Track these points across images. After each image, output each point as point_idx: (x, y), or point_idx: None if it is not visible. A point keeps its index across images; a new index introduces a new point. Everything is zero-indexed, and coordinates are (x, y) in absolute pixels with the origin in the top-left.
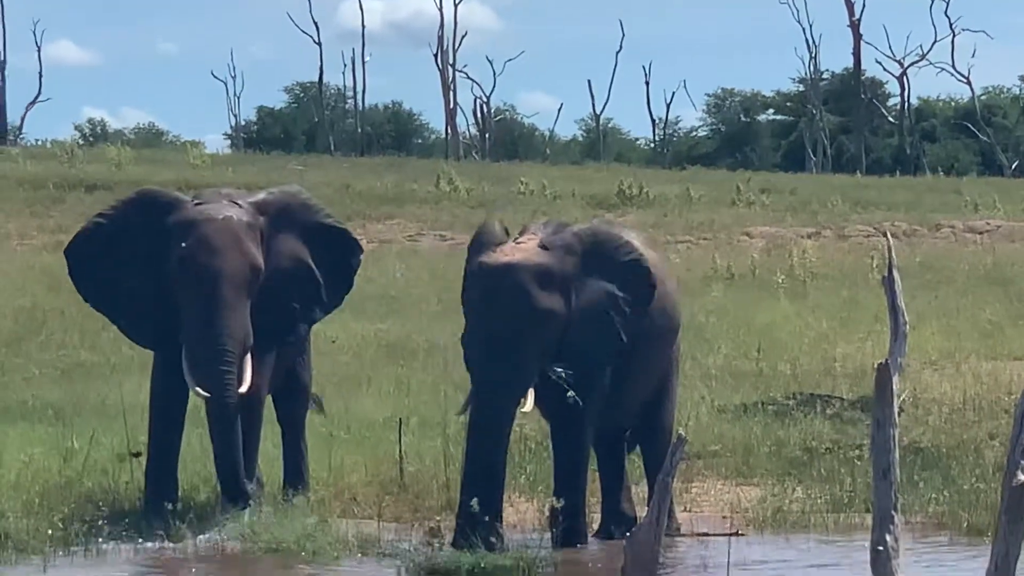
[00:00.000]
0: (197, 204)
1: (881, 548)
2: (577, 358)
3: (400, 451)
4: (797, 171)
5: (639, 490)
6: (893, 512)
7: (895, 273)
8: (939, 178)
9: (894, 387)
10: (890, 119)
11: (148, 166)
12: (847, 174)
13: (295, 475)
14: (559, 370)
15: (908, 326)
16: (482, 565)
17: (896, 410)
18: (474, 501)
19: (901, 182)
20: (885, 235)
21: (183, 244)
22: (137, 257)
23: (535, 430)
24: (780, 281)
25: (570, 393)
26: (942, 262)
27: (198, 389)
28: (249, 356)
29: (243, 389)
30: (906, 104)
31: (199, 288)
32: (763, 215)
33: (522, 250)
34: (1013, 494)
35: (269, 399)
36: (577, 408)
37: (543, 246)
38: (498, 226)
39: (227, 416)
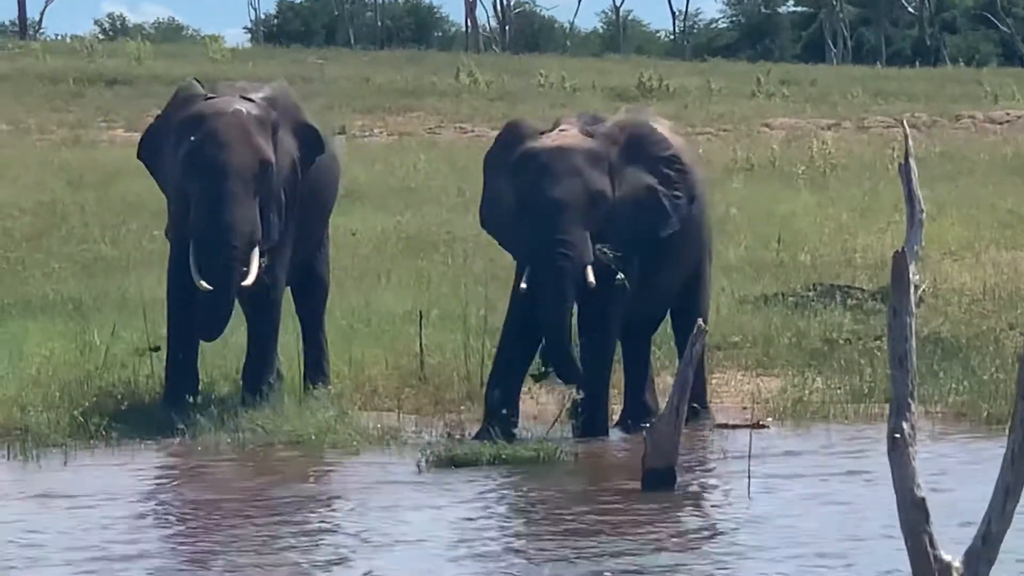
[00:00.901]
0: (209, 98)
1: (898, 435)
2: (617, 244)
3: (420, 343)
4: (817, 63)
5: (661, 381)
6: (910, 400)
7: (911, 161)
8: (959, 69)
9: (910, 275)
10: (910, 10)
11: (168, 61)
12: (867, 65)
13: (315, 369)
14: (605, 250)
15: (924, 214)
16: (503, 456)
17: (914, 299)
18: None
19: (921, 73)
20: (902, 124)
21: (191, 138)
22: (166, 153)
23: None
24: (800, 172)
25: (619, 276)
26: (962, 152)
27: (202, 282)
28: (256, 251)
29: (247, 282)
30: None
31: (206, 181)
32: (783, 107)
33: (569, 136)
34: None
35: (288, 293)
36: (606, 297)
37: (586, 133)
38: (528, 121)
39: (224, 307)
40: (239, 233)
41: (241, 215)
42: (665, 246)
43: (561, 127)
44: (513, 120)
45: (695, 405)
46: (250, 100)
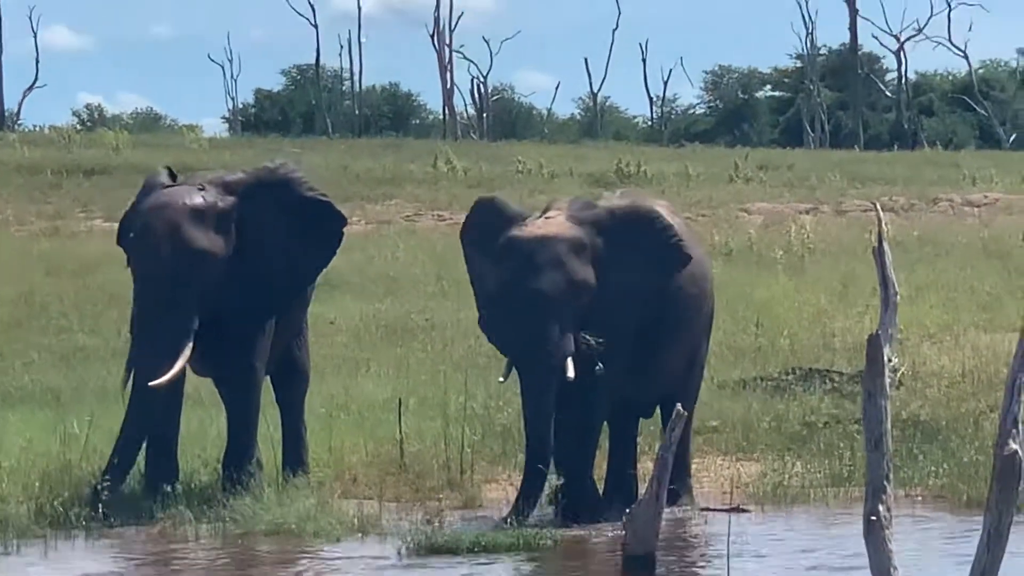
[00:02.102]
0: (166, 187)
1: (874, 518)
2: (601, 330)
3: (400, 431)
4: (795, 147)
5: (642, 466)
6: (886, 482)
7: (885, 246)
8: (937, 152)
9: (884, 358)
10: (887, 94)
11: (146, 150)
12: (845, 149)
13: (295, 457)
14: (588, 338)
15: (899, 298)
16: (482, 543)
17: (890, 382)
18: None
19: (899, 156)
20: (875, 207)
21: (130, 234)
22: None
23: None
24: (778, 257)
25: (599, 366)
26: (940, 235)
27: (127, 387)
28: (188, 347)
29: (160, 380)
30: (903, 79)
31: (135, 281)
32: (761, 191)
33: (553, 224)
34: (1004, 462)
35: (268, 381)
36: (594, 381)
37: (572, 220)
38: (504, 199)
39: (147, 402)
40: (158, 334)
41: (162, 313)
42: (660, 330)
43: (548, 213)
44: (487, 197)
45: (673, 487)
46: (202, 189)
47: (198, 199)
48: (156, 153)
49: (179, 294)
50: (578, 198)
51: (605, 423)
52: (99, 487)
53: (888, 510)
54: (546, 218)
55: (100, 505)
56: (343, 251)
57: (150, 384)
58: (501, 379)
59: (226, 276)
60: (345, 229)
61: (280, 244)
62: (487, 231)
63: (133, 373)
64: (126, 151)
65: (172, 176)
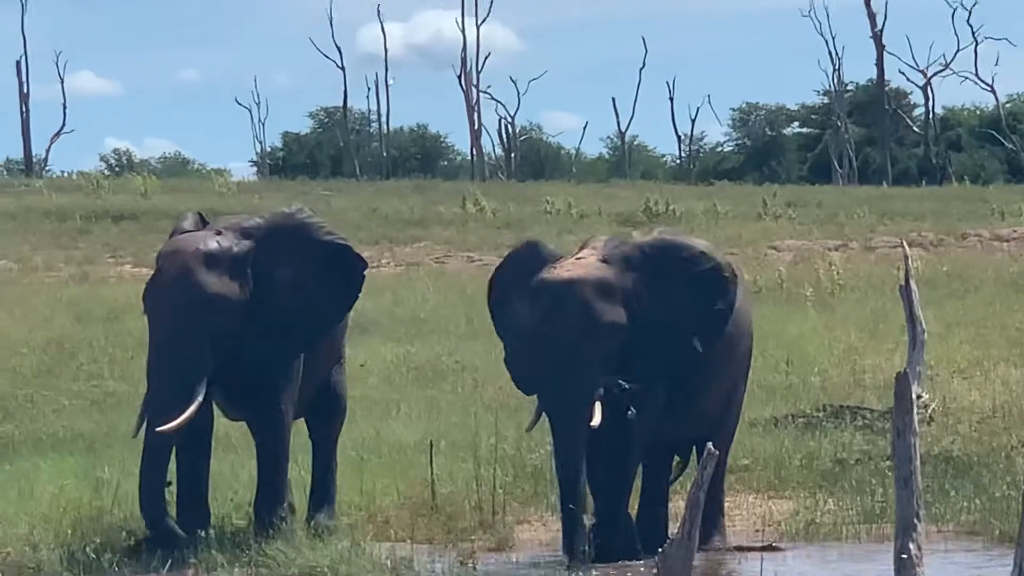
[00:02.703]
0: (183, 233)
1: (905, 556)
2: (638, 371)
3: (432, 473)
4: (823, 183)
5: (674, 505)
6: (916, 520)
7: (912, 283)
8: (965, 187)
9: (913, 395)
10: (915, 129)
11: (174, 195)
12: (873, 185)
13: (322, 496)
14: (622, 383)
15: (926, 335)
16: None
17: (916, 418)
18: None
19: (927, 192)
20: (902, 244)
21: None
22: None
23: None
24: (808, 294)
25: (630, 411)
26: (969, 271)
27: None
28: (201, 392)
29: (171, 425)
30: (931, 114)
31: (149, 325)
32: (790, 228)
33: (582, 265)
34: None
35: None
36: (629, 422)
37: (604, 260)
38: (545, 244)
39: (160, 447)
40: (170, 379)
41: (174, 358)
42: (697, 369)
43: (580, 254)
44: (531, 240)
45: (716, 523)
46: (219, 233)
47: (212, 244)
48: (184, 198)
49: (190, 339)
50: (614, 237)
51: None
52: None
53: (919, 547)
54: (576, 259)
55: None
56: (372, 293)
57: (159, 429)
58: (527, 428)
59: (245, 321)
60: (366, 273)
61: (298, 289)
62: (523, 272)
63: (146, 419)
64: (154, 196)
65: (203, 221)
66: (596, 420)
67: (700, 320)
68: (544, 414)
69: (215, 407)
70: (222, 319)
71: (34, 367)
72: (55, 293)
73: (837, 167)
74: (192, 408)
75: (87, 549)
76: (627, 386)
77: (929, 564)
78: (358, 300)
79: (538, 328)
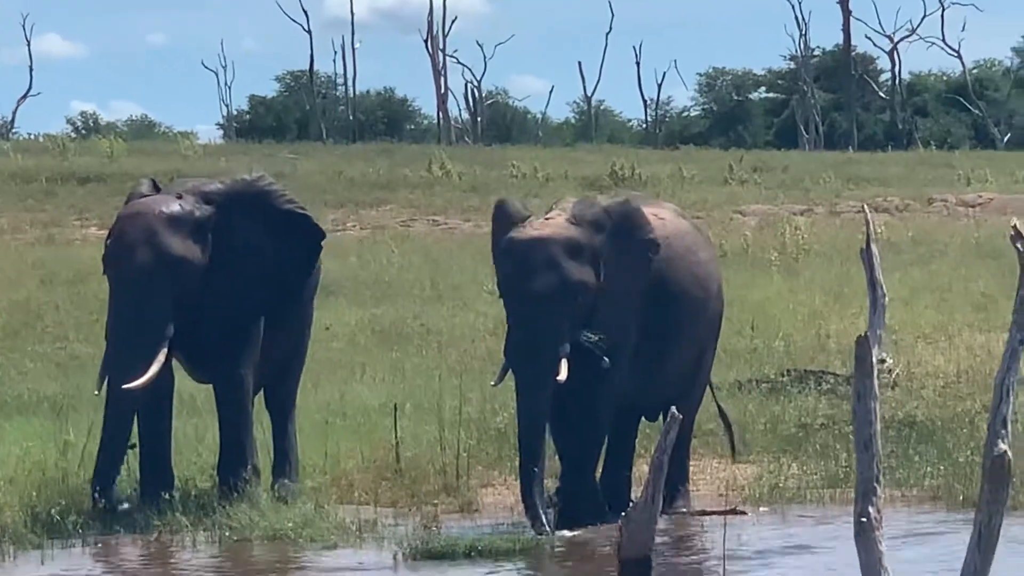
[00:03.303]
0: (141, 198)
1: (864, 520)
2: (604, 331)
3: (396, 437)
4: (789, 148)
5: (637, 469)
6: (876, 484)
7: (873, 247)
8: (931, 152)
9: (873, 359)
10: (881, 95)
11: (141, 157)
12: (839, 150)
13: (284, 459)
14: (589, 335)
15: (887, 299)
16: (478, 547)
17: (877, 382)
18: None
19: (893, 157)
20: (863, 210)
21: (107, 240)
22: None
23: None
24: (773, 259)
25: (605, 359)
26: (935, 236)
27: (98, 389)
28: (162, 353)
29: (133, 384)
30: (897, 79)
31: (111, 286)
32: (755, 193)
33: (551, 225)
34: (994, 463)
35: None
36: (598, 386)
37: (572, 221)
38: (518, 203)
39: (121, 407)
40: (131, 340)
41: (135, 319)
42: (664, 332)
43: (549, 214)
44: (500, 200)
45: (680, 487)
46: (179, 197)
47: (175, 207)
48: (151, 160)
49: (153, 300)
50: (584, 198)
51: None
52: (95, 498)
53: (878, 511)
54: (545, 219)
55: (102, 513)
56: (337, 256)
57: (124, 387)
58: (493, 383)
59: (204, 285)
60: (331, 236)
61: (257, 255)
62: (498, 234)
63: (107, 379)
64: (121, 159)
65: (155, 187)
66: (562, 375)
67: (641, 281)
68: (511, 371)
69: (178, 370)
70: (183, 281)
71: None
72: (21, 255)
73: (803, 132)
74: (154, 368)
75: (52, 511)
76: (595, 338)
77: (891, 528)
78: (322, 263)
79: (506, 285)
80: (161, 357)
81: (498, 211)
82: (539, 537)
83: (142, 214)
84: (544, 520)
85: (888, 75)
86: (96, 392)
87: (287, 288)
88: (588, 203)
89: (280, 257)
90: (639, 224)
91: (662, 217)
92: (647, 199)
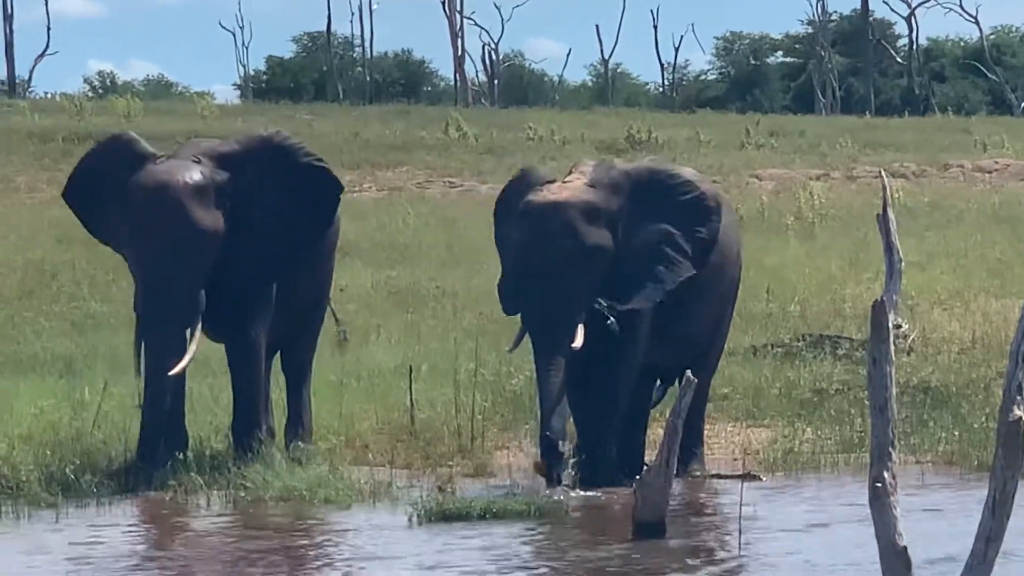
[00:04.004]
0: (157, 162)
1: (879, 484)
2: (623, 295)
3: (411, 398)
4: (806, 113)
5: (652, 432)
6: (891, 448)
7: (889, 212)
8: (948, 118)
9: (889, 324)
10: (899, 60)
11: (157, 117)
12: (856, 115)
13: (297, 423)
14: (602, 302)
15: (903, 264)
16: (493, 509)
17: (892, 347)
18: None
19: (910, 123)
20: (880, 175)
21: (128, 208)
22: (106, 202)
23: None
24: (789, 223)
25: (610, 320)
26: (951, 201)
27: (139, 370)
28: (199, 326)
29: (181, 366)
30: (914, 45)
31: (138, 257)
32: (772, 157)
33: (569, 188)
34: (1008, 429)
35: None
36: (621, 350)
37: (591, 184)
38: (540, 169)
39: (161, 383)
40: (169, 316)
41: (172, 293)
42: (683, 296)
43: (567, 178)
44: (527, 166)
45: (695, 451)
46: (198, 162)
47: (198, 176)
48: (167, 120)
49: (187, 276)
50: (602, 162)
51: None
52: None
53: (893, 476)
54: (564, 183)
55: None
56: (354, 218)
57: (170, 373)
58: (508, 349)
59: (223, 246)
60: (346, 197)
61: (274, 211)
62: (516, 197)
63: (145, 355)
64: (137, 118)
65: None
66: (578, 342)
67: (681, 247)
68: (528, 336)
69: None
70: (212, 251)
71: (14, 288)
72: (37, 214)
73: (820, 97)
74: (194, 347)
75: (66, 470)
76: (607, 304)
77: (905, 493)
78: (340, 221)
79: (524, 249)
80: (198, 333)
81: (521, 173)
82: (554, 500)
83: (169, 186)
84: (562, 481)
85: (905, 40)
86: (137, 374)
87: (305, 244)
88: (607, 166)
89: (297, 212)
90: (659, 188)
91: None
92: (667, 163)
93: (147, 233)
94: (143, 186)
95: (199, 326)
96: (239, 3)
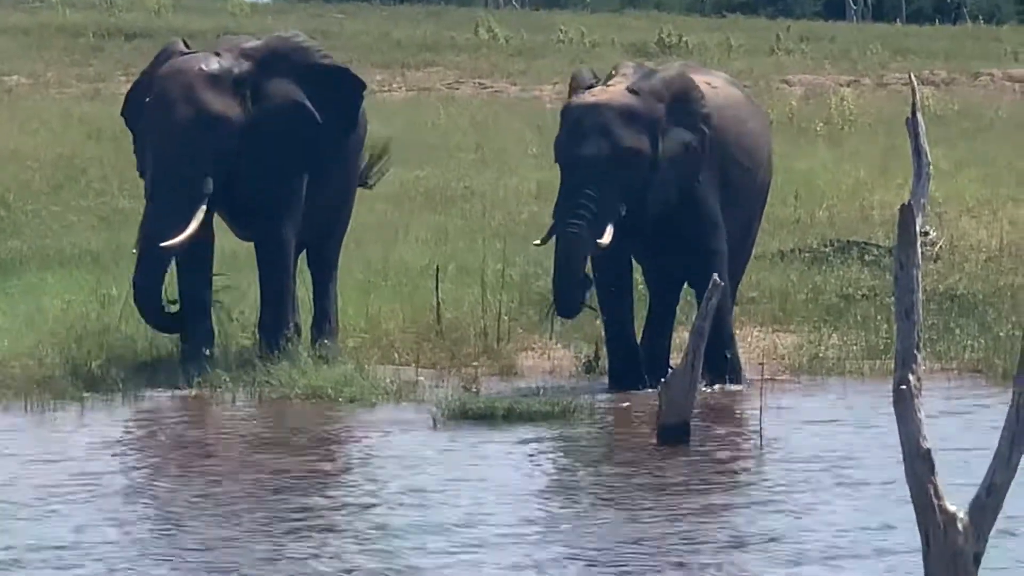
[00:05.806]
0: (181, 56)
1: (904, 387)
2: (663, 199)
3: (437, 298)
4: (837, 20)
5: (678, 336)
6: (916, 352)
7: (919, 116)
8: (979, 27)
9: (916, 228)
10: None
11: (187, 15)
12: (887, 23)
13: (323, 321)
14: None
15: (932, 168)
16: (516, 410)
17: (919, 251)
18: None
19: (941, 30)
20: (910, 79)
21: (146, 100)
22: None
23: None
24: (818, 129)
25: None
26: (980, 110)
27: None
28: (201, 210)
29: (173, 241)
30: None
31: (151, 142)
32: (802, 63)
33: (609, 92)
34: None
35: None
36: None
37: (632, 89)
38: (587, 72)
39: (156, 259)
40: (171, 197)
41: (176, 175)
42: (711, 202)
43: (609, 81)
44: (575, 70)
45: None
46: (218, 55)
47: (214, 64)
48: (197, 18)
49: (192, 157)
50: (641, 65)
51: (646, 292)
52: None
53: (918, 379)
54: (605, 85)
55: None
56: (383, 118)
57: (163, 245)
58: (536, 242)
59: (243, 142)
60: (378, 96)
61: (296, 112)
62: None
63: (142, 223)
64: (168, 15)
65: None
66: (607, 239)
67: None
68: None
69: (220, 226)
70: (223, 138)
71: (44, 183)
72: (67, 109)
73: (851, 3)
74: (193, 225)
75: (93, 364)
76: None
77: (930, 399)
78: (368, 121)
79: (563, 150)
80: (200, 214)
81: (572, 81)
82: (577, 400)
83: (183, 72)
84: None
85: None
86: (134, 251)
87: (327, 143)
88: (648, 72)
89: (320, 112)
90: (695, 98)
91: (715, 86)
92: (700, 68)
93: (159, 116)
94: (161, 75)
95: (202, 208)
96: None
